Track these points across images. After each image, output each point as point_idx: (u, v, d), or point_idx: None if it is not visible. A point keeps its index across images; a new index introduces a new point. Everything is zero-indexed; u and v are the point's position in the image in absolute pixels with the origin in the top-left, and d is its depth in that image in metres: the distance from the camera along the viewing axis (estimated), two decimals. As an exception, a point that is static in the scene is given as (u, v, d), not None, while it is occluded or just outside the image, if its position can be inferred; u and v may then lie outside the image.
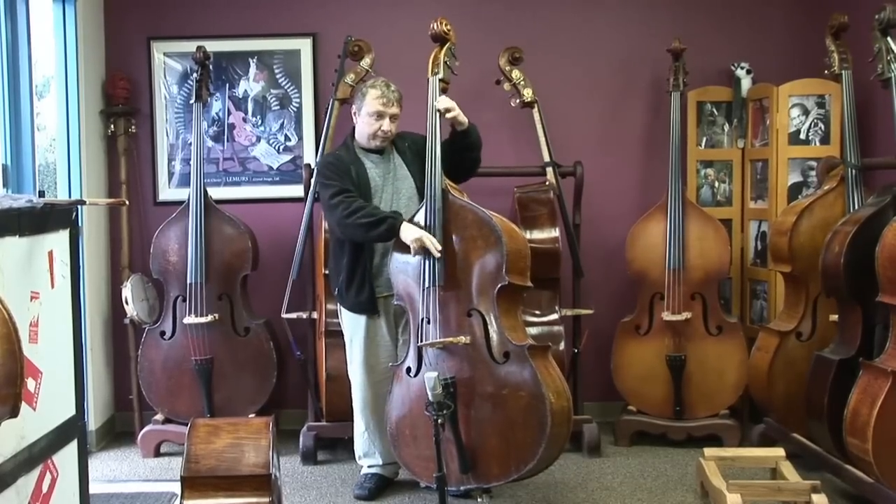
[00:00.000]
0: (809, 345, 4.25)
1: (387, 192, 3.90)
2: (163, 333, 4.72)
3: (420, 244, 3.64)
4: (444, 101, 3.80)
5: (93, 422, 4.84)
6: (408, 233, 3.67)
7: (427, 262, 3.67)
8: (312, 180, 4.44)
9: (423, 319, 3.70)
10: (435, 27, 3.89)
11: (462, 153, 3.91)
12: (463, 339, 3.61)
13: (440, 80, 3.87)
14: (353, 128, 3.99)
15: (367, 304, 3.88)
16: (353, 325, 3.97)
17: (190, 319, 4.60)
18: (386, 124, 3.85)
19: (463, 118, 3.84)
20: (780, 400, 4.32)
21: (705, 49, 5.05)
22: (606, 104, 5.18)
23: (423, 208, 3.74)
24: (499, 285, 3.61)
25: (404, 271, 3.77)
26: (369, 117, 3.85)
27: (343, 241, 3.90)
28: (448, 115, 3.80)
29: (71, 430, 3.08)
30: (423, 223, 3.72)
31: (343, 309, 4.00)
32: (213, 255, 4.66)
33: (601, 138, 5.17)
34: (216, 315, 4.63)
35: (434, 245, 3.63)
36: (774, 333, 4.37)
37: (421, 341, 3.70)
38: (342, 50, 4.70)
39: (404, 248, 3.71)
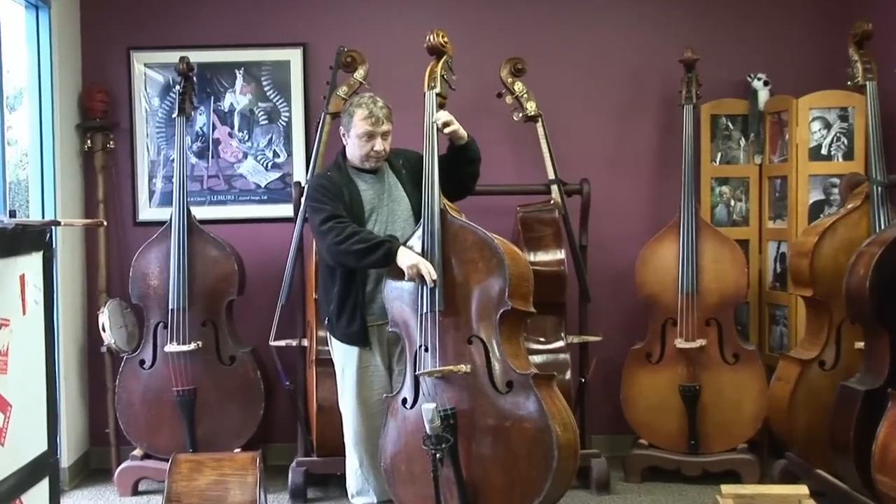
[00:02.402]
0: (833, 374, 4.22)
1: (382, 214, 3.89)
2: (142, 362, 4.70)
3: (416, 271, 3.63)
4: (442, 116, 3.80)
5: (66, 458, 4.80)
6: (404, 258, 3.67)
7: (425, 287, 3.67)
8: (302, 200, 4.43)
9: (420, 347, 3.69)
10: (431, 39, 3.90)
11: (460, 168, 3.91)
12: (463, 367, 3.60)
13: (437, 94, 3.87)
14: (344, 148, 3.97)
15: (359, 335, 3.87)
16: (344, 355, 3.95)
17: (171, 347, 4.59)
18: (378, 144, 3.83)
19: (463, 132, 3.85)
20: (802, 433, 4.29)
21: (720, 59, 5.06)
22: (615, 118, 5.19)
23: (420, 230, 3.74)
24: (501, 310, 3.60)
25: (400, 297, 3.76)
26: (359, 139, 3.84)
27: (333, 269, 3.88)
28: (446, 130, 3.80)
29: (42, 467, 3.06)
30: (419, 246, 3.71)
31: (333, 339, 3.98)
32: (197, 279, 4.64)
33: (609, 154, 5.17)
34: (199, 343, 4.62)
35: (430, 273, 3.62)
36: (795, 362, 4.35)
37: (418, 370, 3.69)
38: (334, 61, 4.71)
39: (399, 274, 3.71)
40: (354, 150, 3.87)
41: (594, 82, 5.17)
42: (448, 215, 3.73)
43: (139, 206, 5.14)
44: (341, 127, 3.92)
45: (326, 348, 4.20)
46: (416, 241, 3.74)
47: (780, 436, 4.51)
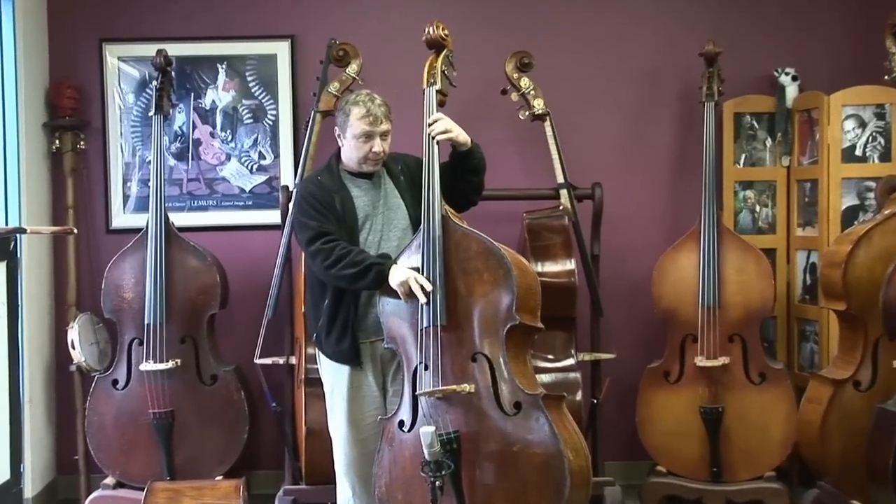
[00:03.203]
0: (870, 395, 4.21)
1: (376, 223, 3.87)
2: (115, 382, 4.70)
3: (407, 289, 3.63)
4: (438, 125, 3.77)
5: (30, 488, 4.79)
6: (394, 277, 3.66)
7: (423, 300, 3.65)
8: (290, 206, 4.42)
9: (418, 365, 3.68)
10: (430, 32, 3.89)
11: (463, 177, 3.89)
12: (466, 387, 3.59)
13: (437, 91, 3.86)
14: (338, 150, 3.94)
15: (350, 353, 3.85)
16: (333, 374, 3.93)
17: (147, 366, 4.59)
18: (377, 145, 3.81)
19: (464, 138, 3.81)
20: (835, 460, 4.28)
21: (744, 52, 5.08)
22: (630, 117, 5.20)
23: (420, 237, 3.73)
24: (508, 325, 3.59)
25: (396, 312, 3.75)
26: (356, 140, 3.81)
27: (323, 282, 3.87)
28: (444, 137, 3.78)
29: (4, 498, 3.04)
30: (418, 256, 3.69)
31: (322, 356, 3.97)
32: (175, 292, 4.65)
33: (623, 156, 5.19)
34: (178, 361, 4.61)
35: (422, 287, 3.61)
36: (828, 382, 4.33)
37: (417, 390, 3.67)
38: (325, 55, 4.72)
39: (393, 292, 3.70)
40: (351, 152, 3.84)
41: (607, 78, 5.19)
42: (450, 222, 3.72)
43: (112, 212, 5.15)
44: (336, 127, 3.88)
45: (316, 367, 4.18)
46: (414, 250, 3.73)
47: (812, 463, 4.50)
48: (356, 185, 3.88)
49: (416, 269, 3.67)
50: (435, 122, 3.77)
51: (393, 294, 3.71)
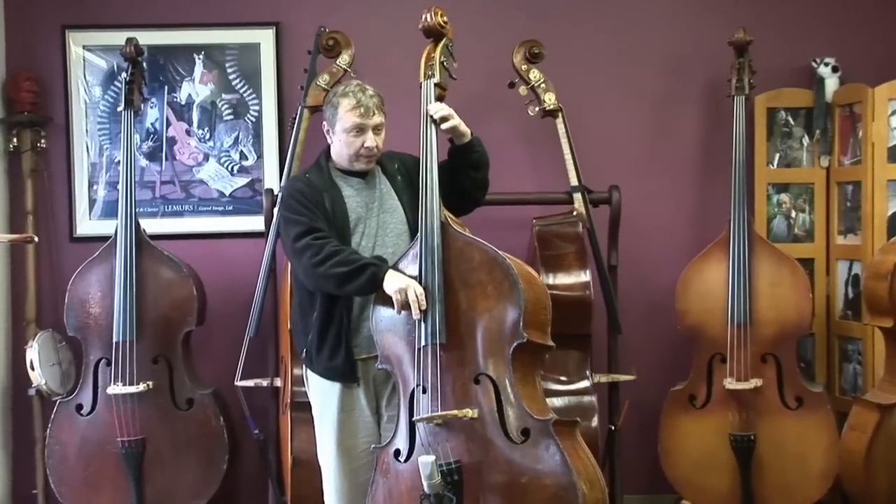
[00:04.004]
0: (919, 422, 4.26)
1: (370, 227, 3.89)
2: (79, 407, 4.72)
3: (404, 297, 3.65)
4: (438, 108, 3.81)
5: (-16, 524, 4.82)
6: (391, 282, 3.67)
7: (421, 315, 3.68)
8: (275, 210, 4.46)
9: (416, 388, 3.69)
10: (428, 19, 3.89)
11: (465, 174, 3.91)
12: (469, 412, 3.61)
13: (436, 85, 3.88)
14: (328, 147, 3.96)
15: (345, 369, 3.84)
16: (323, 394, 3.93)
17: (115, 389, 4.61)
18: (370, 139, 3.82)
19: (464, 128, 3.85)
20: (882, 494, 4.31)
21: (778, 41, 5.12)
22: (651, 113, 5.25)
23: (417, 246, 3.74)
24: (514, 344, 3.60)
25: (391, 328, 3.76)
26: (347, 134, 3.82)
27: (312, 292, 3.89)
28: (444, 126, 3.81)
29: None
30: (415, 266, 3.72)
31: (311, 374, 3.97)
32: (147, 306, 4.68)
33: (644, 156, 5.24)
34: (150, 383, 4.64)
35: (418, 301, 3.64)
36: (873, 407, 4.37)
37: (414, 416, 3.69)
38: (313, 44, 4.76)
39: (390, 299, 3.71)
40: (341, 148, 3.86)
41: (626, 70, 5.22)
42: (450, 229, 3.73)
43: (77, 217, 5.18)
44: (324, 122, 3.90)
45: (303, 389, 4.18)
46: (411, 260, 3.75)
47: (855, 497, 4.53)
48: (348, 183, 3.89)
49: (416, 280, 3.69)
50: (436, 109, 3.80)
51: (387, 304, 3.71)
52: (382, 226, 3.90)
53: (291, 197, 3.85)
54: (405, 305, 3.65)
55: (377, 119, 3.82)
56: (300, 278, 3.87)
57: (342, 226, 3.83)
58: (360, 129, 3.80)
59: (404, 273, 3.73)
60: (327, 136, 3.90)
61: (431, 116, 3.80)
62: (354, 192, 3.89)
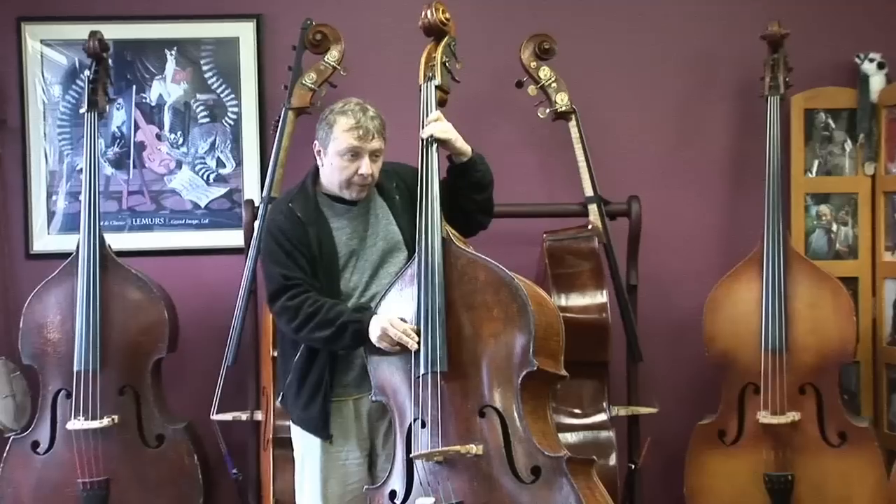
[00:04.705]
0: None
1: (364, 261, 3.88)
2: (35, 445, 4.72)
3: (389, 342, 3.66)
4: (433, 126, 3.81)
5: (-71, 577, 4.79)
6: (374, 333, 3.68)
7: (419, 341, 3.67)
8: (256, 224, 4.48)
9: (414, 422, 3.71)
10: (428, 16, 3.91)
11: (465, 196, 3.91)
12: (473, 448, 3.61)
13: (437, 87, 3.90)
14: (316, 167, 3.94)
15: (318, 422, 3.85)
16: (303, 440, 3.95)
17: (76, 424, 4.60)
18: (365, 166, 3.78)
19: (462, 145, 3.84)
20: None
21: (817, 34, 5.14)
22: (675, 115, 5.27)
23: (415, 265, 3.76)
24: (524, 373, 3.61)
25: (387, 359, 3.77)
26: (340, 158, 3.79)
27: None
28: (442, 136, 3.80)
29: None
30: (413, 290, 3.73)
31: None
32: (113, 331, 4.68)
33: (667, 163, 5.25)
34: (115, 417, 4.64)
35: (405, 337, 3.64)
36: (924, 443, 4.39)
37: (412, 452, 3.70)
38: (299, 39, 4.78)
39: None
40: (332, 173, 3.83)
41: (647, 66, 5.24)
42: (452, 246, 3.75)
43: (34, 232, 5.19)
44: (316, 141, 3.86)
45: (288, 423, 4.20)
46: (409, 281, 3.77)
47: (904, 544, 4.54)
48: (337, 213, 3.88)
49: (415, 303, 3.69)
50: (430, 128, 3.80)
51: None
52: (381, 260, 3.91)
53: (270, 236, 3.85)
54: (393, 347, 3.67)
55: (376, 144, 3.79)
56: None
57: (330, 264, 3.84)
58: (355, 154, 3.77)
59: (400, 297, 3.74)
60: (318, 158, 3.87)
61: (423, 139, 3.81)
62: (345, 223, 3.88)
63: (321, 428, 3.84)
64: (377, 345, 3.68)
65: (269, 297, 3.83)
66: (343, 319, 3.70)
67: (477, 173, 3.89)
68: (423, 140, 3.82)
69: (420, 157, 3.82)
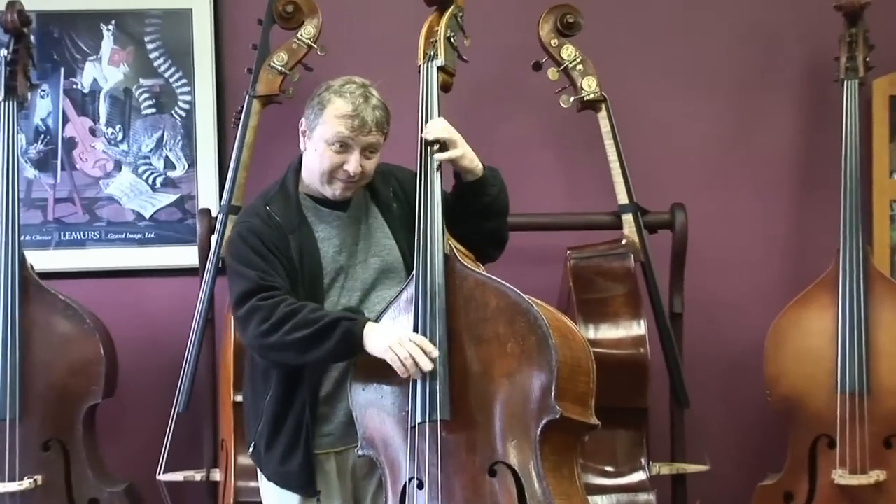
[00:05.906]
0: None
1: (352, 280, 3.88)
2: (-59, 512, 4.73)
3: (404, 353, 3.60)
4: (434, 129, 3.81)
5: None
6: (377, 340, 3.64)
7: (416, 383, 3.66)
8: (213, 239, 4.46)
9: (409, 481, 3.69)
10: None
11: (473, 221, 3.90)
12: None
13: (440, 68, 3.90)
14: (300, 158, 3.94)
15: (300, 478, 3.83)
16: (278, 501, 3.94)
17: (-8, 486, 4.63)
18: (353, 163, 3.76)
19: (471, 161, 3.82)
20: None
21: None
22: (727, 105, 5.29)
23: (412, 287, 3.75)
24: (545, 421, 3.59)
25: (376, 401, 3.77)
26: (326, 146, 3.77)
27: (267, 365, 3.87)
28: (442, 156, 3.79)
29: None
30: (409, 318, 3.72)
31: (262, 476, 3.98)
32: (36, 372, 4.68)
33: (718, 163, 5.28)
34: (38, 478, 4.65)
35: (423, 354, 3.61)
36: None
37: None
38: (266, 11, 4.78)
39: (371, 367, 3.71)
40: (315, 161, 3.81)
41: (692, 44, 5.27)
42: (457, 263, 3.74)
43: (-61, 249, 5.20)
44: (303, 119, 3.85)
45: (253, 484, 4.21)
46: (404, 306, 3.76)
47: None
48: (322, 220, 3.88)
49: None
50: (431, 129, 3.80)
51: (370, 374, 3.72)
52: (376, 279, 3.91)
53: (242, 239, 3.81)
54: (407, 368, 3.61)
55: (371, 139, 3.76)
56: (250, 348, 3.85)
57: (313, 281, 3.82)
58: (344, 145, 3.75)
59: (394, 324, 3.73)
60: (301, 139, 3.86)
61: (425, 139, 3.80)
62: (333, 232, 3.88)
63: (305, 484, 3.82)
64: (380, 355, 3.61)
65: (236, 300, 3.76)
66: (332, 317, 3.65)
67: (487, 196, 3.87)
68: (422, 139, 3.82)
69: (419, 157, 3.81)
